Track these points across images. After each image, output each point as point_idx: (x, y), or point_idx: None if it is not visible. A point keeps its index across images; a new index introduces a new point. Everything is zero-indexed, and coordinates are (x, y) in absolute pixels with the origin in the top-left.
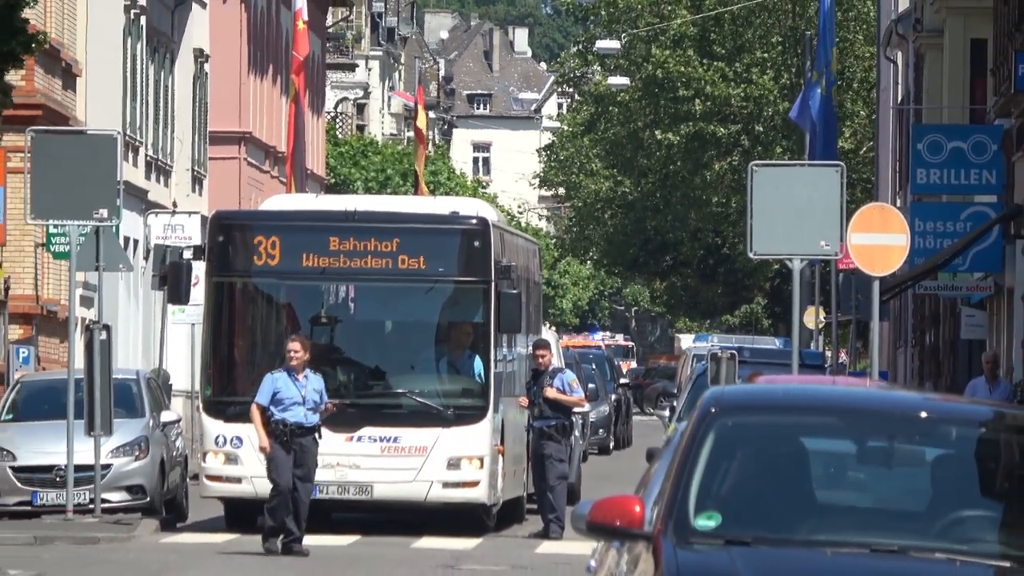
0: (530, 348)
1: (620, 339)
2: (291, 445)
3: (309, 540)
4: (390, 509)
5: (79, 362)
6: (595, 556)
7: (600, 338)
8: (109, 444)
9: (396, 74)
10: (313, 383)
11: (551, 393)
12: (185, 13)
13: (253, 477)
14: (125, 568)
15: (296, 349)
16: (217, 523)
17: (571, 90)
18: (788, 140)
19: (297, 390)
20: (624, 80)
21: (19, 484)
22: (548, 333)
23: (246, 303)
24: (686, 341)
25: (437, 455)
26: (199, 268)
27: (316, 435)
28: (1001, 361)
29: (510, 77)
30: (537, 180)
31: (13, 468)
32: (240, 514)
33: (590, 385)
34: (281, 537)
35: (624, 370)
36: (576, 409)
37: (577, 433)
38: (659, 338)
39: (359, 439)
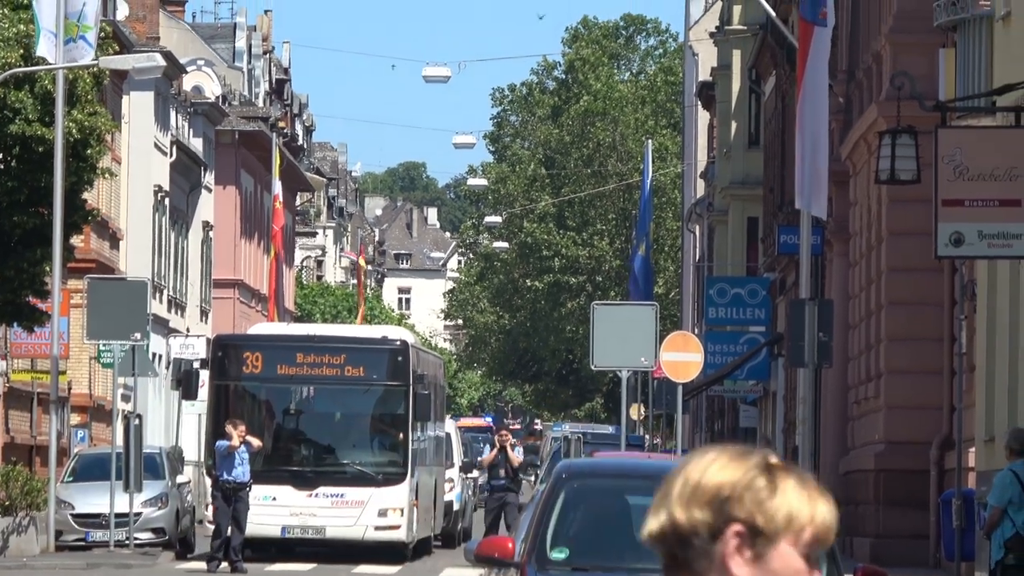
0: (455, 430)
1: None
2: (232, 498)
3: (280, 568)
4: (337, 545)
5: (119, 440)
6: None
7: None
8: (139, 498)
9: (344, 239)
10: (244, 451)
11: (516, 459)
12: (196, 196)
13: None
14: None
15: (243, 429)
16: None
17: (467, 251)
18: (620, 287)
19: (237, 455)
20: (504, 244)
21: (76, 526)
22: (450, 422)
23: (237, 400)
24: (547, 428)
25: (371, 506)
26: (204, 375)
27: (248, 488)
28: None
29: (425, 242)
30: (443, 314)
31: (73, 515)
32: (229, 549)
33: (479, 458)
34: (226, 562)
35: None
36: (473, 474)
37: (469, 490)
38: (527, 425)
39: (316, 495)
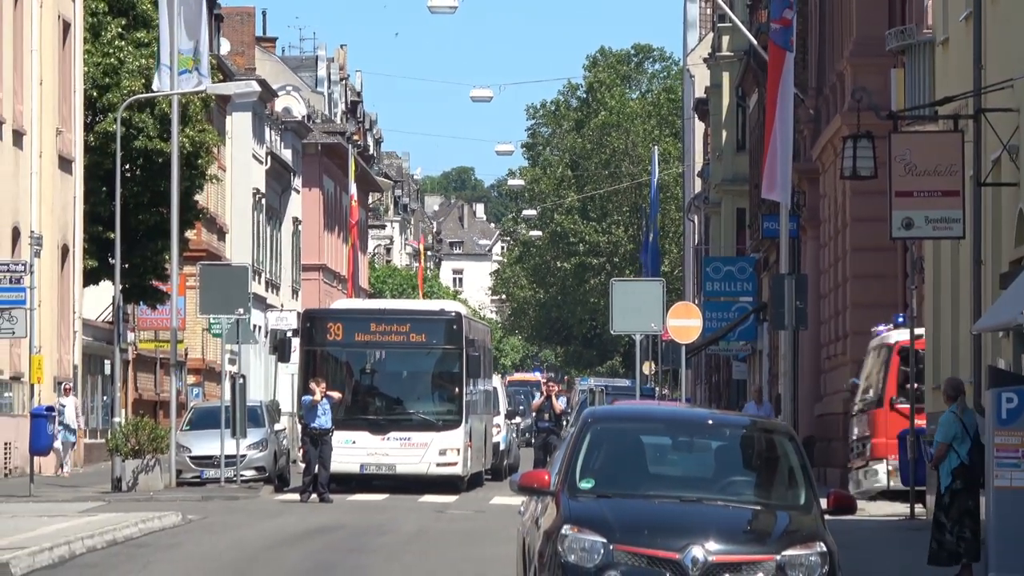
0: (504, 384)
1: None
2: (318, 441)
3: (359, 498)
4: (405, 479)
5: (227, 395)
6: (523, 505)
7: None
8: (244, 443)
9: (408, 230)
10: (327, 402)
11: (559, 406)
12: (287, 196)
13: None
14: (254, 513)
15: (324, 386)
16: None
17: (508, 239)
18: (632, 267)
19: (320, 407)
20: (539, 233)
21: (193, 466)
22: (496, 378)
23: (323, 362)
24: (575, 382)
25: (433, 447)
26: (296, 342)
27: (331, 433)
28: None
29: (474, 231)
30: (489, 290)
31: (190, 457)
32: (317, 484)
33: (520, 407)
34: (315, 494)
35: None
36: (516, 420)
37: (513, 434)
38: (560, 381)
39: (388, 439)
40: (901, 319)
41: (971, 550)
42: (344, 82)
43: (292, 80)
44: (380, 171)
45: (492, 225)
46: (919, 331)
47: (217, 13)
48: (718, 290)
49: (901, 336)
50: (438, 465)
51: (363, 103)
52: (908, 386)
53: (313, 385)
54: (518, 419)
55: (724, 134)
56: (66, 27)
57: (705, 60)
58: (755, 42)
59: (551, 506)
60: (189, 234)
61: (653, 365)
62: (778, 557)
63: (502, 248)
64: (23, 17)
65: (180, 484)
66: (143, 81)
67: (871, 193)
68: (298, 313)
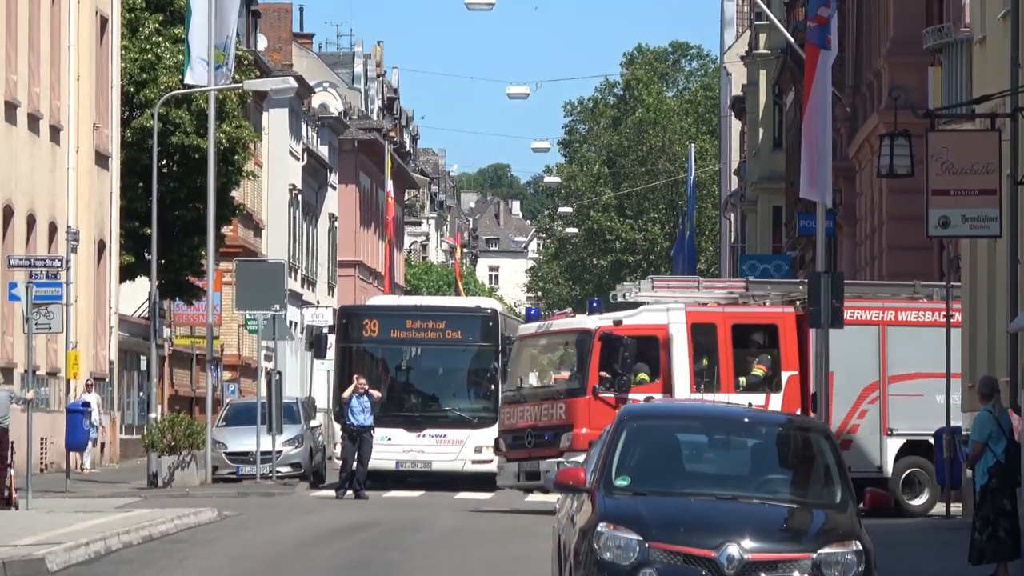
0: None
1: None
2: (357, 438)
3: (394, 495)
4: (441, 476)
5: (263, 392)
6: (559, 502)
7: None
8: (280, 439)
9: (444, 227)
10: (367, 400)
11: None
12: (324, 193)
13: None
14: (289, 509)
15: (363, 381)
16: None
17: (544, 236)
18: (669, 264)
19: (360, 404)
20: (575, 230)
21: (229, 462)
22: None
23: (359, 359)
24: None
25: (469, 444)
26: (332, 338)
27: (371, 431)
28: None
29: (510, 229)
30: (525, 287)
31: (226, 453)
32: (353, 480)
33: None
34: (351, 491)
35: None
36: None
37: None
38: None
39: (424, 436)
40: (595, 303)
41: (1003, 549)
42: (380, 79)
43: (329, 76)
44: (416, 168)
45: (528, 222)
46: (620, 315)
47: (254, 9)
48: None
49: (601, 322)
50: (473, 462)
51: (399, 100)
52: (610, 374)
53: (364, 380)
54: None
55: (760, 132)
56: (103, 23)
57: (742, 58)
58: (792, 40)
59: (587, 503)
60: (225, 230)
61: None
62: (814, 555)
63: (538, 245)
64: (60, 12)
65: (216, 480)
66: (180, 77)
67: (908, 191)
68: (334, 309)
